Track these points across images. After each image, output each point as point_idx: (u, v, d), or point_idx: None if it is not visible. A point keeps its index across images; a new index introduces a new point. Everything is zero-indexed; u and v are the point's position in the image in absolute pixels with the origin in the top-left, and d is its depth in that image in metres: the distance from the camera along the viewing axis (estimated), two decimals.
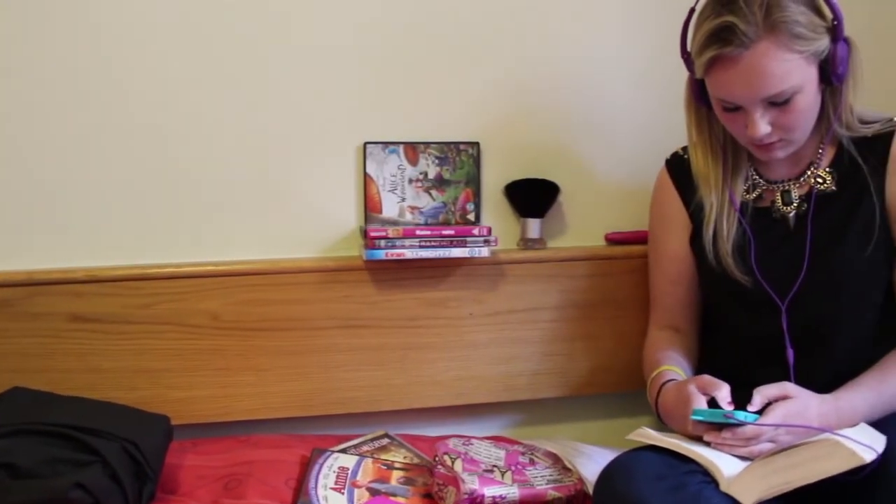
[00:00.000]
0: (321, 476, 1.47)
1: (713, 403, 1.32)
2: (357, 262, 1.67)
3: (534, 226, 1.75)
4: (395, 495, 1.45)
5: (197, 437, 1.62)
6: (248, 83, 1.65)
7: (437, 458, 1.46)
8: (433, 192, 1.73)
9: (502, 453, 1.54)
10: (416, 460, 1.59)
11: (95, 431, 1.33)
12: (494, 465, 1.47)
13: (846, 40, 1.34)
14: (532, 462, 1.52)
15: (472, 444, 1.55)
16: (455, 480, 1.39)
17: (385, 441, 1.66)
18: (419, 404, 1.73)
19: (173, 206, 1.64)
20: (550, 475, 1.48)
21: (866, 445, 1.20)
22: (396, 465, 1.55)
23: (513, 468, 1.48)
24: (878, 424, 1.30)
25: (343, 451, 1.58)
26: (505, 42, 1.74)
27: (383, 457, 1.59)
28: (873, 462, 1.18)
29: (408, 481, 1.50)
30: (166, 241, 1.64)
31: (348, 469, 1.50)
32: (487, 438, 1.66)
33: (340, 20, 1.67)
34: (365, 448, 1.62)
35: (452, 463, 1.43)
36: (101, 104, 1.59)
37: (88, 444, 1.31)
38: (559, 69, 1.77)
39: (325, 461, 1.51)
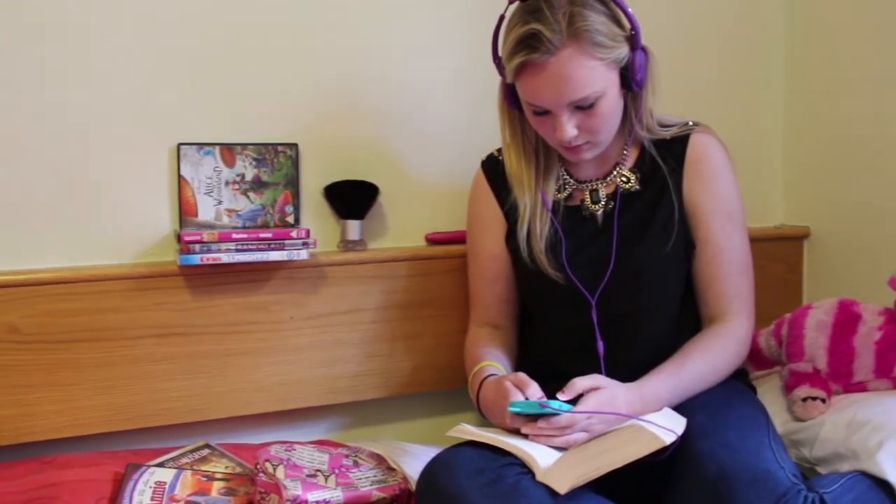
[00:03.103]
0: (136, 493, 1.40)
1: None
2: (172, 268, 1.61)
3: (354, 227, 1.75)
4: None
5: None
6: (53, 79, 1.55)
7: (258, 466, 1.43)
8: (251, 194, 1.69)
9: (326, 457, 1.52)
10: (238, 470, 1.55)
11: None
12: (318, 470, 1.46)
13: (644, 49, 1.42)
14: (356, 464, 1.52)
15: (294, 449, 1.52)
16: (277, 487, 1.37)
17: (205, 452, 1.61)
18: (242, 411, 1.68)
19: None
20: (375, 476, 1.48)
21: (667, 428, 1.28)
22: (217, 475, 1.51)
23: (337, 471, 1.47)
24: (680, 408, 1.39)
25: (160, 464, 1.52)
26: (322, 42, 1.73)
27: (203, 468, 1.54)
28: (674, 443, 1.27)
29: (229, 492, 1.46)
30: None
31: (165, 483, 1.44)
32: (311, 443, 1.64)
33: (153, 16, 1.60)
34: (184, 460, 1.56)
35: (274, 470, 1.41)
36: None
37: None
38: (377, 71, 1.78)
39: (140, 476, 1.45)
